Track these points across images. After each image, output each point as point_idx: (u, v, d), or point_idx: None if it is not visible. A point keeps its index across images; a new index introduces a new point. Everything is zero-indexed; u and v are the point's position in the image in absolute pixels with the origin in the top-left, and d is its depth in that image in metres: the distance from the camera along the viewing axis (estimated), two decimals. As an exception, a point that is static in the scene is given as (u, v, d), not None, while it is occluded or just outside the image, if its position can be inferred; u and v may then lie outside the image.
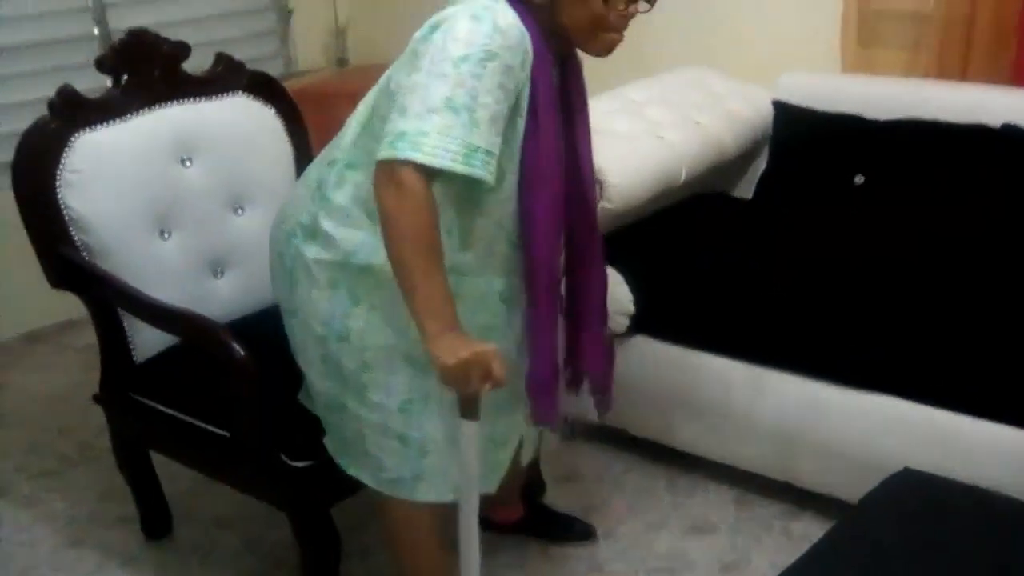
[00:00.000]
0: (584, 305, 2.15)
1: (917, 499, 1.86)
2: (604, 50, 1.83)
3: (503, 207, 1.88)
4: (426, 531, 2.10)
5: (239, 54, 2.69)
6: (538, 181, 1.85)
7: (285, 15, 4.45)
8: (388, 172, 1.68)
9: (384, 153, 1.68)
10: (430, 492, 2.01)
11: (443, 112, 1.66)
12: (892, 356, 2.36)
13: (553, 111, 1.84)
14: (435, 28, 1.73)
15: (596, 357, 2.21)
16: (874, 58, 3.20)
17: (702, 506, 2.67)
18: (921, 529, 1.77)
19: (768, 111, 3.14)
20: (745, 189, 3.20)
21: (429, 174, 1.68)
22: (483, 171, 1.70)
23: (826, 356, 2.43)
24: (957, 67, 3.02)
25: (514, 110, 1.78)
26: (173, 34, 2.55)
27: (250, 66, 2.70)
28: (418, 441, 1.97)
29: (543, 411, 2.05)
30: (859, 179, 2.88)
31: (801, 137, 3.05)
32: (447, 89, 1.66)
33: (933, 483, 1.91)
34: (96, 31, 3.83)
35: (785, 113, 3.11)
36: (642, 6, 1.80)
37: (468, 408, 1.77)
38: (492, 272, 1.98)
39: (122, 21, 3.73)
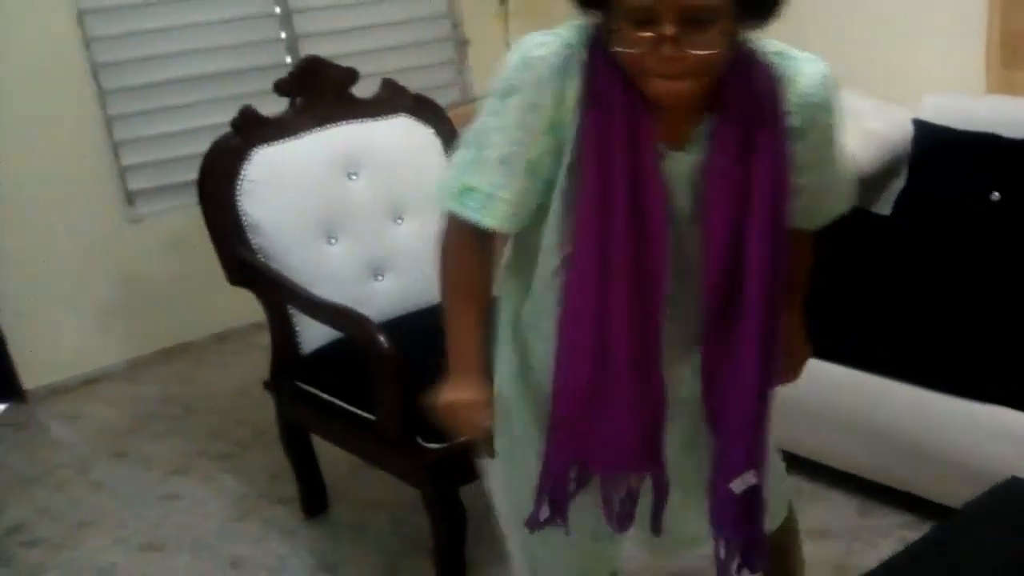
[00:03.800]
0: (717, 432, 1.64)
1: (1021, 507, 1.84)
2: (658, 98, 1.43)
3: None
4: None
5: (419, 82, 2.93)
6: (573, 256, 1.52)
7: (462, 45, 4.70)
8: None
9: None
10: None
11: (464, 147, 1.56)
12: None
13: (608, 178, 1.46)
14: None
15: (722, 508, 1.64)
16: (1017, 79, 3.17)
17: (824, 512, 2.72)
18: (1020, 537, 1.75)
19: (908, 130, 3.17)
20: (884, 205, 3.23)
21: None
22: (477, 215, 1.52)
23: (948, 369, 2.46)
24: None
25: (558, 158, 1.52)
26: (359, 64, 2.80)
27: (428, 94, 2.95)
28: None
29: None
30: (995, 196, 2.88)
31: (940, 155, 3.06)
32: (475, 123, 1.55)
33: (1040, 492, 1.89)
34: (288, 60, 4.17)
35: (925, 132, 3.13)
36: (680, 43, 1.34)
37: (476, 446, 1.77)
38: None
39: (313, 51, 3.96)
